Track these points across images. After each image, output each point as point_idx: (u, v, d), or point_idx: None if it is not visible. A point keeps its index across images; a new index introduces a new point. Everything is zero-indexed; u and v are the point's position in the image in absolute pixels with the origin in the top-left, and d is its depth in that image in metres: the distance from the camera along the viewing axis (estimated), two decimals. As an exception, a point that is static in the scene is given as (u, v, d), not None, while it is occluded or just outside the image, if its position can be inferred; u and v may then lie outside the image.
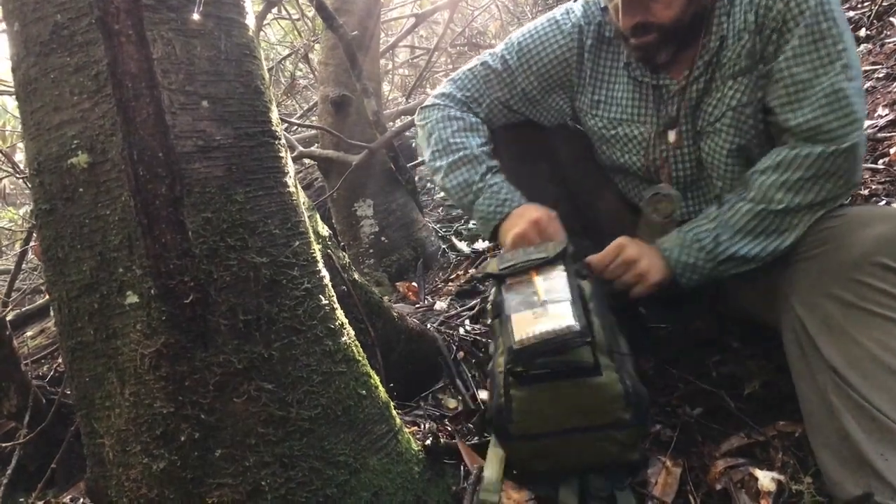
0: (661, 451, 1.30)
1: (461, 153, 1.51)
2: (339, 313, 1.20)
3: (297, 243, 1.15)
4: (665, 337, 1.71)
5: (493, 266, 1.29)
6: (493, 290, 1.31)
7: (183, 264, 1.02)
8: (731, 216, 1.31)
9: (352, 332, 1.22)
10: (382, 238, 3.25)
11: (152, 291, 1.04)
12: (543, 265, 1.22)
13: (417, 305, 2.56)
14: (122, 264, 1.06)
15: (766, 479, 1.12)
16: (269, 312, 1.09)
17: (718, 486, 1.16)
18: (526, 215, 1.41)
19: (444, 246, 3.37)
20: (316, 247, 1.23)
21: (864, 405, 1.02)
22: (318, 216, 1.46)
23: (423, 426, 1.28)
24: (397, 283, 2.84)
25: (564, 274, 1.20)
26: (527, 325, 1.12)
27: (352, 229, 3.25)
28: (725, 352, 1.55)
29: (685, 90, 1.38)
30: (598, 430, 1.14)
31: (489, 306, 1.33)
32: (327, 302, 1.17)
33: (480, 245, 3.12)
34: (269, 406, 1.07)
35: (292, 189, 1.19)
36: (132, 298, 1.06)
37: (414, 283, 2.78)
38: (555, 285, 1.17)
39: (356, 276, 1.52)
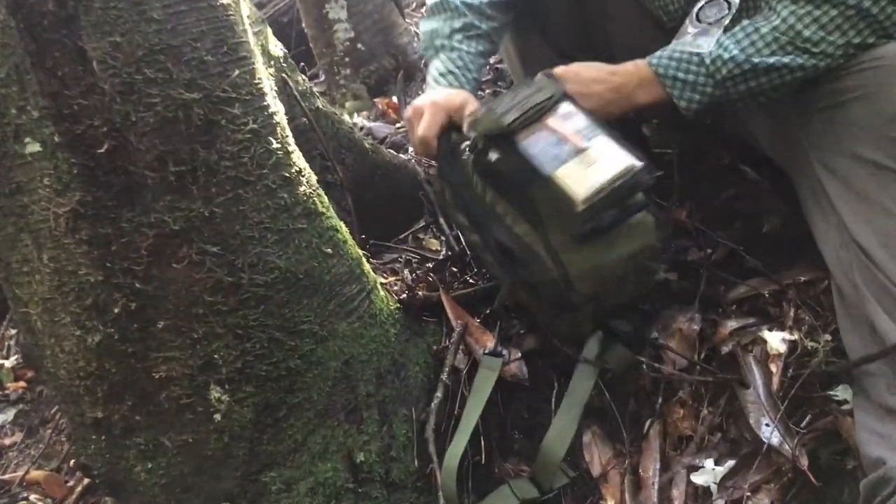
0: (672, 302, 1.18)
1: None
2: (296, 157, 1.01)
3: (238, 72, 0.93)
4: (671, 164, 1.53)
5: (489, 123, 1.01)
6: (495, 152, 1.01)
7: (90, 104, 0.81)
8: (742, 35, 1.02)
9: (313, 180, 1.03)
10: (359, 45, 2.93)
11: (56, 138, 0.84)
12: (552, 106, 0.99)
13: (398, 125, 2.34)
14: (14, 104, 0.85)
15: (775, 340, 1.01)
16: (208, 161, 0.90)
17: (725, 349, 1.05)
18: (433, 98, 1.18)
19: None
20: (264, 74, 1.01)
21: (894, 290, 0.87)
22: (268, 32, 1.21)
23: (401, 275, 1.14)
24: (376, 100, 2.59)
25: (576, 108, 0.98)
26: (581, 178, 0.91)
27: (324, 35, 2.92)
28: (740, 185, 1.38)
29: None
30: (642, 266, 1.02)
31: (476, 173, 1.06)
32: (279, 145, 0.97)
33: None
34: (216, 271, 0.91)
35: (227, 0, 0.94)
36: (33, 147, 0.86)
37: (394, 99, 2.53)
38: (578, 124, 0.95)
39: (319, 103, 1.30)
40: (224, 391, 0.94)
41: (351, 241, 1.08)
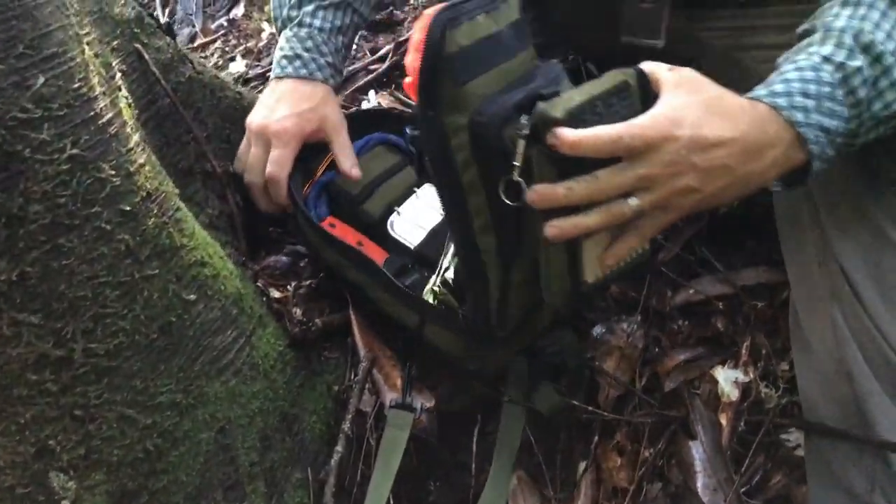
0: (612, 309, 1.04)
1: None
2: (144, 175, 0.78)
3: (44, 79, 0.69)
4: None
5: (561, 108, 0.65)
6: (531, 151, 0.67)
7: None
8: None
9: (170, 200, 0.82)
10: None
11: None
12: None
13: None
14: None
15: (727, 383, 0.88)
16: (7, 209, 0.67)
17: (669, 386, 0.91)
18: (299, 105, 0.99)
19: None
20: (95, 67, 0.76)
21: (883, 345, 0.70)
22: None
23: (289, 304, 0.95)
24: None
25: None
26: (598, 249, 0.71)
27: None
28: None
29: None
30: None
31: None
32: (114, 170, 0.74)
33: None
34: (38, 344, 0.71)
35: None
36: None
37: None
38: None
39: (193, 69, 1.04)
40: (69, 477, 0.77)
41: (228, 270, 0.88)
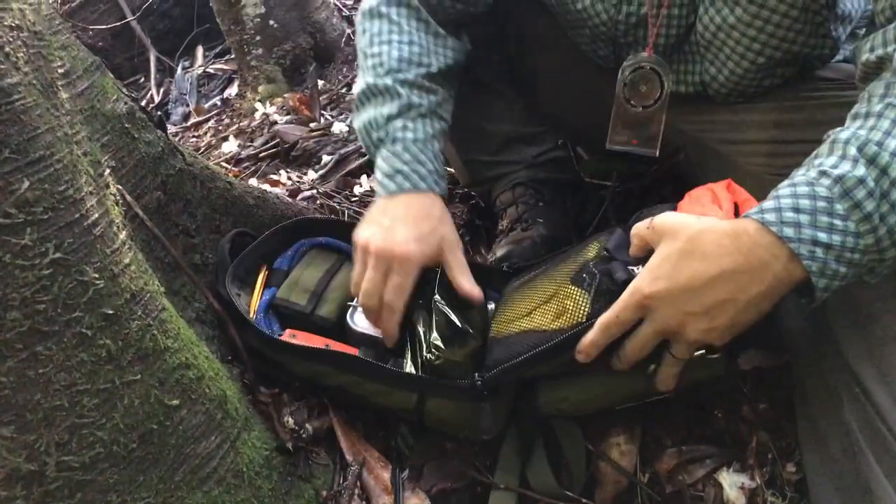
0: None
1: (374, 79, 1.00)
2: (129, 276, 0.76)
3: (28, 183, 0.67)
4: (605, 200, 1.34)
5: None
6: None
7: None
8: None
9: (158, 301, 0.79)
10: (271, 22, 2.61)
11: None
12: None
13: (312, 126, 2.08)
14: None
15: (732, 488, 0.84)
16: (-17, 316, 0.65)
17: (669, 489, 0.88)
18: (421, 225, 0.93)
19: (349, 30, 2.75)
20: (83, 167, 0.75)
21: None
22: (105, 82, 0.92)
23: (282, 414, 0.91)
24: (286, 95, 2.30)
25: None
26: None
27: (231, 10, 2.58)
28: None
29: None
30: None
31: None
32: (97, 273, 0.72)
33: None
34: (9, 458, 0.68)
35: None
36: None
37: (306, 93, 2.25)
38: None
39: (183, 161, 1.03)
40: None
41: (213, 370, 0.84)
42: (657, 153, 0.99)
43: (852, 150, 0.66)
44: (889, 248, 0.65)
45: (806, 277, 0.66)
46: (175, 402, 0.77)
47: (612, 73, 1.02)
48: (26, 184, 0.67)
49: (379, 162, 1.00)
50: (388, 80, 0.99)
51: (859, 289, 0.73)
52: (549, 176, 1.31)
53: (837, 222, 0.65)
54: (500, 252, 1.22)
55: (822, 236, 0.64)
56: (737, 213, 0.76)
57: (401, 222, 0.93)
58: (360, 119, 1.03)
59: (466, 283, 0.93)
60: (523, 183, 1.29)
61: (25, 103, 0.69)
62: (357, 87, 1.04)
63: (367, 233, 0.93)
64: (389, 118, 0.99)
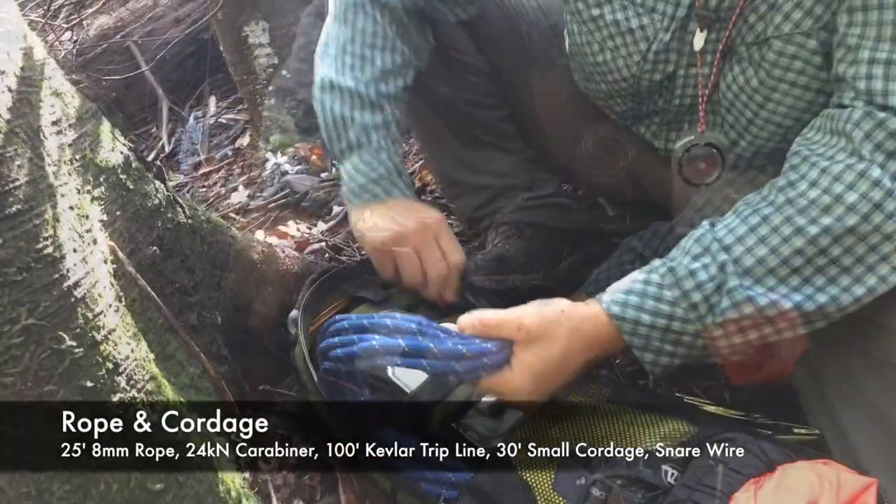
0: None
1: (355, 84, 1.00)
2: (111, 347, 0.68)
3: (1, 241, 0.60)
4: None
5: None
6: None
7: None
8: (744, 230, 0.73)
9: (145, 370, 0.71)
10: (283, 72, 2.60)
11: None
12: None
13: (323, 176, 2.03)
14: None
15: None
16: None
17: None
18: (411, 216, 0.98)
19: (363, 80, 2.73)
20: (68, 221, 0.69)
21: None
22: (101, 130, 0.86)
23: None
24: (297, 145, 2.27)
25: None
26: None
27: (244, 60, 2.58)
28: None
29: None
30: None
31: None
32: (75, 340, 0.64)
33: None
34: (-35, 556, 0.59)
35: None
36: None
37: (318, 143, 2.21)
38: None
39: (183, 215, 0.96)
40: None
41: (206, 447, 0.76)
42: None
43: (696, 248, 0.74)
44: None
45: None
46: (159, 486, 0.69)
47: (627, 129, 1.00)
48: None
49: (355, 161, 1.01)
50: (372, 94, 1.00)
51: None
52: (534, 220, 1.25)
53: (663, 307, 0.73)
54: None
55: (645, 318, 0.73)
56: None
57: (396, 214, 0.99)
58: (330, 102, 1.01)
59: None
60: (507, 223, 1.26)
61: (4, 153, 0.63)
62: (326, 72, 1.02)
63: (375, 235, 0.98)
64: (375, 126, 1.00)
